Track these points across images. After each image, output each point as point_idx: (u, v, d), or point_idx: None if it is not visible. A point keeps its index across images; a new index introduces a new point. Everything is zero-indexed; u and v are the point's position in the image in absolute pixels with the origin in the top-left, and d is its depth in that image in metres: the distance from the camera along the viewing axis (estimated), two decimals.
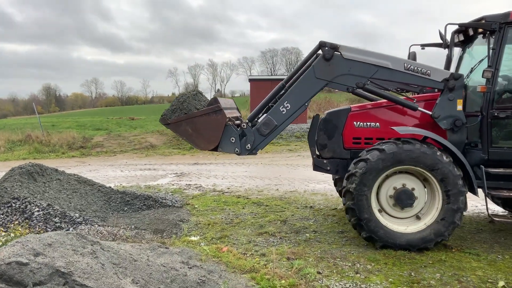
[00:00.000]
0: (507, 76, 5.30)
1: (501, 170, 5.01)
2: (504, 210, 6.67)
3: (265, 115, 5.44)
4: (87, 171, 11.72)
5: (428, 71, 5.18)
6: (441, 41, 5.75)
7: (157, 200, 7.23)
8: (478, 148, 5.19)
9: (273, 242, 5.32)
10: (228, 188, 9.01)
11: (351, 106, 5.81)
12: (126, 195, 7.16)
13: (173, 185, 9.57)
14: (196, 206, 7.30)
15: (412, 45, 5.86)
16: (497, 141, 5.14)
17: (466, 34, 5.52)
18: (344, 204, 5.05)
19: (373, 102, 5.91)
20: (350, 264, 4.54)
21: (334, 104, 27.21)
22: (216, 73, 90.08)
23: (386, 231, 4.91)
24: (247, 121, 5.43)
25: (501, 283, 4.00)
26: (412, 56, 5.87)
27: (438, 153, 4.79)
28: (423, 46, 5.89)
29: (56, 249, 3.19)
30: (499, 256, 4.79)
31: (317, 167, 5.78)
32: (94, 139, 18.45)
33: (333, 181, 7.11)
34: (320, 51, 5.21)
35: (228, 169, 11.85)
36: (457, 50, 6.05)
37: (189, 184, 9.56)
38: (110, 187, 7.48)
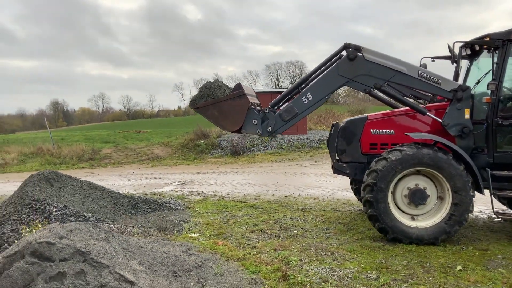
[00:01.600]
0: (510, 88, 5.88)
1: (505, 172, 5.58)
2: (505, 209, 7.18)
3: (287, 103, 6.08)
4: (96, 180, 12.40)
5: (439, 81, 5.79)
6: (449, 55, 6.38)
7: (162, 204, 7.91)
8: (484, 152, 5.76)
9: (264, 237, 5.95)
10: (228, 194, 9.67)
11: (368, 115, 6.38)
12: (133, 199, 7.84)
13: (176, 191, 10.25)
14: (197, 209, 7.96)
15: (423, 58, 6.47)
16: (501, 146, 5.70)
17: (473, 48, 6.13)
18: (362, 198, 5.59)
19: (386, 111, 6.44)
20: (329, 254, 5.17)
21: (335, 116, 27.86)
22: None
23: (398, 225, 5.46)
24: (269, 106, 6.02)
25: (459, 267, 4.61)
26: (423, 67, 6.41)
27: (452, 158, 5.35)
28: (433, 58, 6.49)
29: (76, 234, 3.87)
30: (463, 247, 5.39)
31: (337, 170, 6.37)
32: (102, 151, 19.24)
33: (349, 180, 7.74)
34: (343, 52, 5.85)
35: (228, 177, 12.51)
36: (465, 63, 6.67)
37: (192, 191, 10.23)
38: (119, 192, 8.17)
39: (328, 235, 6.00)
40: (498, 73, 5.55)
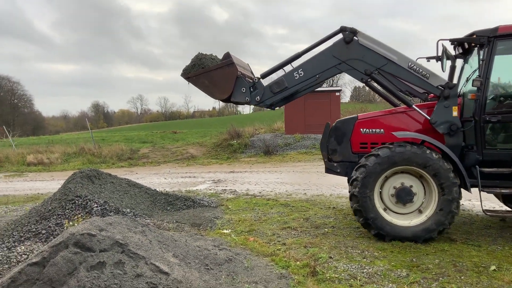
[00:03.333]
0: (497, 85, 5.83)
1: (493, 169, 5.52)
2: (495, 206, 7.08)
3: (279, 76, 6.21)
4: (134, 179, 12.85)
5: (427, 75, 5.79)
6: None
7: (196, 201, 8.16)
8: (474, 150, 5.70)
9: (294, 234, 6.04)
10: (260, 192, 9.81)
11: (358, 115, 6.45)
12: (169, 196, 8.14)
13: (210, 190, 10.50)
14: (229, 206, 8.15)
15: (418, 58, 6.34)
16: (489, 143, 5.66)
17: (465, 46, 6.05)
18: (352, 207, 5.69)
19: (377, 111, 6.50)
20: (359, 251, 5.19)
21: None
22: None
23: (392, 227, 5.50)
24: (259, 76, 6.18)
25: (493, 267, 4.51)
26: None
27: (428, 151, 5.35)
28: (428, 58, 6.42)
29: (115, 227, 4.12)
30: (499, 247, 5.25)
31: (328, 169, 6.46)
32: (140, 151, 19.92)
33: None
34: (340, 35, 5.89)
35: (261, 176, 12.66)
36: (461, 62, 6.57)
37: (225, 189, 10.45)
38: (156, 189, 8.50)
39: (358, 234, 6.00)
40: (485, 70, 5.50)
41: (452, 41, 5.90)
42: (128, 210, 6.71)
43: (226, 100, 6.18)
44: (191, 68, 6.10)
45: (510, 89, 5.91)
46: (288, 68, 6.17)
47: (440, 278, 4.25)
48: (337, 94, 21.87)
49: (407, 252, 5.13)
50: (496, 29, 5.47)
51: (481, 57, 5.54)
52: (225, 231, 6.26)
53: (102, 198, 6.85)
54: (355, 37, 5.83)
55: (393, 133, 5.73)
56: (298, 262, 4.73)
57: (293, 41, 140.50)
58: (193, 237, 5.37)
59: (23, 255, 5.01)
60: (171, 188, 11.01)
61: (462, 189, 5.51)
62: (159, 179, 13.04)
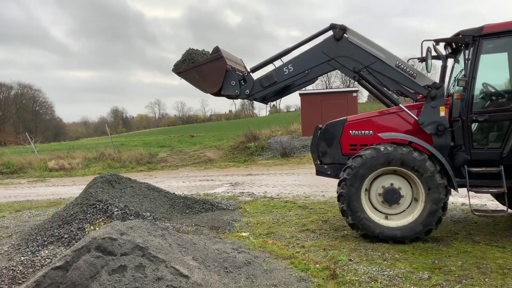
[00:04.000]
0: (484, 84, 5.76)
1: (481, 169, 5.47)
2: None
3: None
4: (153, 183, 12.99)
5: (415, 74, 5.79)
6: (435, 54, 6.19)
7: (214, 204, 8.20)
8: (462, 150, 5.65)
9: (313, 237, 6.01)
10: (278, 195, 9.80)
11: (347, 117, 6.42)
12: (188, 200, 8.20)
13: (228, 193, 10.54)
14: (247, 209, 8.16)
15: (410, 59, 6.34)
16: (477, 143, 5.63)
17: (454, 46, 6.04)
18: (339, 207, 5.69)
19: (366, 113, 6.46)
20: (379, 254, 5.12)
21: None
22: None
23: (379, 227, 5.50)
24: (249, 70, 6.22)
25: None
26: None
27: (414, 152, 5.33)
28: (420, 59, 6.35)
29: (136, 230, 4.18)
30: None
31: (319, 172, 6.48)
32: (159, 155, 20.15)
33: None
34: (330, 32, 5.94)
35: (278, 178, 12.64)
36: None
37: (242, 192, 10.48)
38: (174, 193, 8.58)
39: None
40: (471, 69, 5.49)
41: (437, 42, 5.89)
42: (148, 213, 6.79)
43: (217, 94, 6.20)
44: (182, 63, 6.18)
45: (496, 88, 5.86)
46: (278, 63, 6.23)
47: (463, 281, 4.16)
48: (354, 94, 21.71)
49: (428, 254, 5.05)
50: (481, 28, 5.46)
51: (466, 56, 5.53)
52: (243, 234, 6.27)
53: (123, 202, 6.95)
54: (344, 35, 5.86)
55: (379, 134, 5.75)
56: (317, 265, 4.70)
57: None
58: (212, 240, 5.40)
59: (46, 259, 5.13)
60: (190, 191, 11.10)
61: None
62: (177, 182, 13.16)
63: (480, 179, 5.51)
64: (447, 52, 6.27)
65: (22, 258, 5.19)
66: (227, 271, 4.26)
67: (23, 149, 26.02)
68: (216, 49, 6.06)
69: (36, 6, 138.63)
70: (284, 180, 12.17)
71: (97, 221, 6.46)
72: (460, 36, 5.61)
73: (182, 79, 6.27)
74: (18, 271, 4.77)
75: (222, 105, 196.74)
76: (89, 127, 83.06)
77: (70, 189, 13.28)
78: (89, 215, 6.51)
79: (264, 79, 6.11)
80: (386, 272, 4.47)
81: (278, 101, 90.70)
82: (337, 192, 5.70)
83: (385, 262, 4.82)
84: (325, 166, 6.36)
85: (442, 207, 5.31)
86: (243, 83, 6.09)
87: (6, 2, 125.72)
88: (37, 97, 63.08)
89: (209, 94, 6.40)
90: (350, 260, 4.92)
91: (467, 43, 5.53)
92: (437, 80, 5.96)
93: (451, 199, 7.96)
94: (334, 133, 6.27)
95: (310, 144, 20.15)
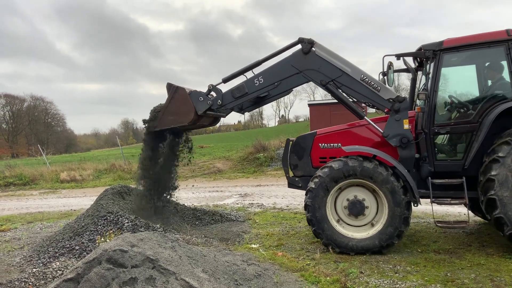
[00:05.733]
0: (445, 97, 5.87)
1: (444, 180, 5.52)
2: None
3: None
4: None
5: (379, 88, 5.88)
6: (405, 67, 6.40)
7: (223, 215, 8.20)
8: (427, 162, 5.70)
9: (323, 249, 5.94)
10: (287, 206, 9.77)
11: (317, 130, 6.53)
12: (197, 211, 8.22)
13: (237, 204, 10.54)
14: (257, 220, 8.14)
15: (380, 72, 6.36)
16: (440, 155, 5.72)
17: (420, 60, 6.14)
18: (306, 217, 5.75)
19: (336, 126, 6.56)
20: (391, 266, 5.07)
21: None
22: (280, 100, 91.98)
23: (342, 238, 5.56)
24: (212, 84, 6.40)
25: None
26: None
27: (378, 165, 5.41)
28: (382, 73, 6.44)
29: (146, 242, 4.19)
30: None
31: (290, 184, 6.60)
32: None
33: None
34: (298, 46, 6.09)
35: (287, 189, 12.57)
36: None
37: (252, 203, 10.46)
38: (184, 204, 8.60)
39: (390, 248, 5.86)
40: (432, 82, 5.60)
41: (398, 56, 5.98)
42: (158, 225, 6.80)
43: (195, 117, 6.34)
44: (152, 121, 6.57)
45: (457, 100, 5.93)
46: (250, 74, 6.40)
47: None
48: (363, 105, 21.65)
49: (440, 266, 4.98)
50: (441, 42, 5.59)
51: (427, 70, 5.65)
52: (253, 245, 6.25)
53: (133, 214, 6.98)
54: (312, 48, 5.99)
55: (342, 147, 5.85)
56: (328, 278, 4.66)
57: None
58: (222, 252, 5.39)
59: (58, 271, 5.16)
60: (199, 202, 11.11)
61: None
62: (187, 193, 13.18)
63: (443, 190, 5.58)
64: (415, 65, 6.37)
65: (34, 269, 5.23)
66: (237, 284, 4.25)
67: (35, 161, 26.35)
68: (169, 85, 6.38)
69: (40, 20, 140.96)
70: (293, 191, 12.07)
71: (108, 233, 6.49)
72: (422, 50, 5.74)
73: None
74: (30, 283, 4.81)
75: (231, 116, 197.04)
76: (100, 138, 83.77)
77: (81, 200, 13.39)
78: (100, 227, 6.55)
79: (235, 90, 6.31)
80: (398, 285, 4.42)
81: (287, 111, 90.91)
82: (304, 202, 5.80)
83: (397, 274, 4.77)
84: (297, 179, 6.50)
85: (403, 221, 5.38)
86: (211, 97, 6.34)
87: (10, 16, 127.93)
88: (49, 109, 64.04)
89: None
90: (361, 272, 4.87)
91: (428, 57, 5.67)
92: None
93: (463, 209, 7.88)
94: (304, 146, 6.40)
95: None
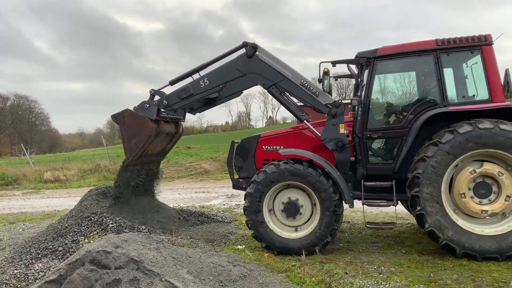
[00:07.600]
0: (378, 102, 6.07)
1: (374, 183, 5.70)
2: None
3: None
4: None
5: (317, 93, 6.08)
6: (349, 73, 6.52)
7: (210, 216, 8.17)
8: (361, 165, 5.86)
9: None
10: None
11: (261, 133, 6.69)
12: (183, 212, 8.16)
13: (224, 205, 10.51)
14: (243, 221, 8.11)
15: (317, 79, 6.43)
16: (372, 158, 5.89)
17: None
18: (246, 220, 5.90)
19: (279, 129, 6.76)
20: (375, 267, 5.12)
21: None
22: (268, 101, 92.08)
23: (280, 239, 5.73)
24: (153, 88, 6.65)
25: None
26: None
27: (309, 168, 5.57)
28: (336, 77, 6.72)
29: (130, 244, 4.15)
30: None
31: (235, 185, 6.77)
32: None
33: None
34: (242, 50, 6.25)
35: None
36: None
37: (238, 204, 10.45)
38: (170, 206, 8.53)
39: (375, 249, 5.92)
40: (366, 89, 5.73)
41: (333, 63, 6.10)
42: (143, 226, 6.74)
43: (155, 125, 6.43)
44: (118, 196, 6.93)
45: (389, 106, 6.10)
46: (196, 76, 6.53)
47: None
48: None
49: (424, 267, 5.04)
50: (375, 50, 5.75)
51: (361, 77, 5.83)
52: (239, 246, 6.24)
53: (117, 215, 6.89)
54: (256, 52, 6.14)
55: (279, 151, 6.03)
56: (313, 278, 4.69)
57: (291, 54, 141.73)
58: (207, 253, 5.37)
59: (40, 272, 5.08)
60: (185, 203, 11.05)
61: None
62: (173, 194, 13.10)
63: (374, 192, 5.74)
64: (359, 71, 6.49)
65: (16, 271, 5.14)
66: (222, 285, 4.24)
67: (18, 160, 25.88)
68: (114, 116, 6.56)
69: (16, 18, 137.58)
70: None
71: (92, 234, 6.41)
72: (356, 57, 5.89)
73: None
74: (11, 285, 4.72)
75: (219, 117, 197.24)
76: (85, 138, 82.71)
77: (65, 201, 13.19)
78: (83, 228, 6.46)
79: (181, 91, 6.46)
80: (382, 286, 4.46)
81: (274, 112, 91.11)
82: (243, 205, 5.94)
83: (381, 275, 4.81)
84: (241, 180, 6.64)
85: (335, 220, 5.52)
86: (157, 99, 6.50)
87: None
88: (33, 108, 62.91)
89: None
90: (346, 273, 4.90)
91: (362, 65, 5.82)
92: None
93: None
94: (249, 148, 6.56)
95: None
